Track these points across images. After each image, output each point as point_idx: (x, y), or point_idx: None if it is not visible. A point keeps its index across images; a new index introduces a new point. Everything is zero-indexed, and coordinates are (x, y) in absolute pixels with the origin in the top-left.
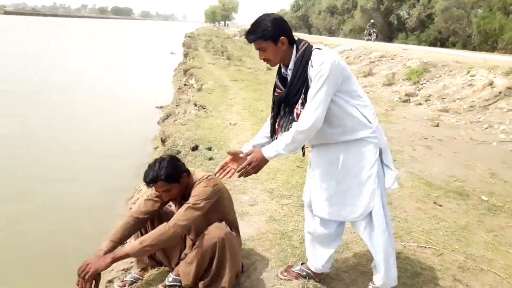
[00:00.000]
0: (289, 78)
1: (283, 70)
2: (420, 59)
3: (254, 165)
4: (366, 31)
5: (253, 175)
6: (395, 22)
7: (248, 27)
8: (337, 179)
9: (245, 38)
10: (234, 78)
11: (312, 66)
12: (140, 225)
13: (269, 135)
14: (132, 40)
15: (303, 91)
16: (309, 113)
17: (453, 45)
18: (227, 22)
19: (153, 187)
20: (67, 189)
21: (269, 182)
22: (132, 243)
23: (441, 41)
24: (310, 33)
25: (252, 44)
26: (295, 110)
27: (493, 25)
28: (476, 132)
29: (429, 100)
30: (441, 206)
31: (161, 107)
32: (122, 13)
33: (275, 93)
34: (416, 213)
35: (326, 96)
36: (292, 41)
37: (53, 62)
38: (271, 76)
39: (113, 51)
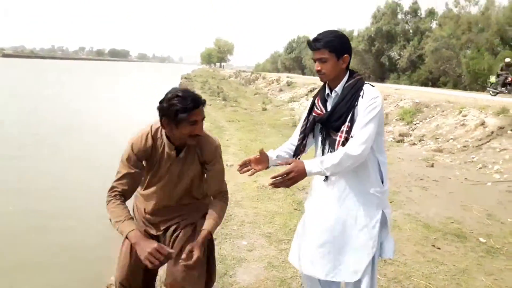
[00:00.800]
0: (331, 100)
1: (327, 91)
2: (412, 100)
3: (293, 176)
4: (497, 77)
5: (251, 219)
6: (387, 63)
7: (243, 68)
8: (334, 234)
9: (308, 44)
10: (230, 119)
11: (362, 97)
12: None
13: (291, 152)
14: (129, 81)
15: (347, 119)
16: (359, 142)
17: (444, 85)
18: (222, 64)
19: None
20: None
21: (267, 226)
22: (209, 222)
23: (432, 81)
24: (303, 73)
25: (314, 53)
26: (337, 137)
27: (482, 65)
28: (470, 172)
29: (423, 140)
30: (439, 249)
31: None
32: (119, 55)
33: (313, 113)
34: (415, 256)
35: (373, 131)
36: (348, 66)
37: (48, 103)
38: (267, 117)
39: (110, 92)
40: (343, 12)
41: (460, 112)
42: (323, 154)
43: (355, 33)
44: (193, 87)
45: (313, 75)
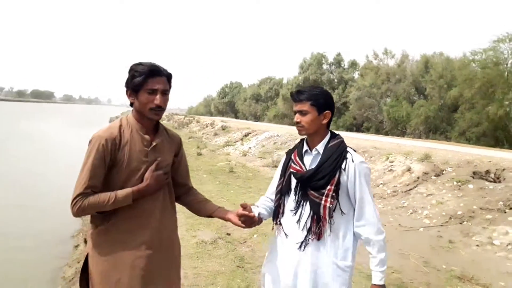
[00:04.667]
0: (310, 158)
1: (306, 147)
2: None
3: None
4: None
5: (191, 281)
6: None
7: (175, 111)
8: None
9: (291, 95)
10: None
11: (353, 161)
12: None
13: (270, 210)
14: (54, 123)
15: (331, 181)
16: (376, 218)
17: (368, 130)
18: None
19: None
20: None
21: None
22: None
23: (356, 126)
24: (236, 117)
25: (295, 104)
26: (320, 201)
27: (401, 112)
28: (403, 217)
29: None
30: None
31: None
32: (42, 96)
33: (291, 169)
34: None
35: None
36: (329, 124)
37: None
38: (202, 162)
39: (31, 135)
40: (273, 61)
41: (387, 158)
42: (296, 212)
43: (285, 81)
44: None
45: (246, 119)
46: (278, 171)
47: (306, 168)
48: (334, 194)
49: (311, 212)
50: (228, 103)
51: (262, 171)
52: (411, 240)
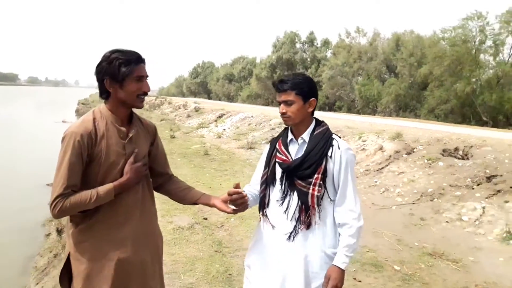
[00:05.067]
0: (296, 147)
1: (291, 136)
2: None
3: (340, 285)
4: None
5: (170, 268)
6: None
7: None
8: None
9: (274, 85)
10: None
11: (339, 148)
12: None
13: (256, 198)
14: (19, 107)
15: (318, 169)
16: (357, 205)
17: (340, 109)
18: None
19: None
20: None
21: (188, 274)
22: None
23: (329, 105)
24: (210, 98)
25: (279, 94)
26: (307, 190)
27: (372, 91)
28: (375, 196)
29: None
30: (360, 281)
31: None
32: (5, 79)
33: (276, 159)
34: None
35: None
36: (313, 111)
37: None
38: (176, 145)
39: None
40: (245, 40)
41: (360, 137)
42: (283, 202)
43: (258, 60)
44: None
45: (219, 100)
46: (261, 161)
47: (292, 158)
48: (321, 182)
49: (299, 201)
50: (201, 84)
51: (237, 153)
52: (384, 218)
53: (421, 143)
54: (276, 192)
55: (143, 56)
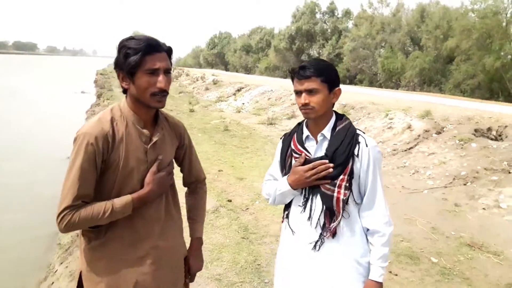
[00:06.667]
0: (314, 144)
1: (306, 133)
2: (338, 101)
3: None
4: None
5: None
6: None
7: None
8: None
9: (292, 72)
10: None
11: (366, 146)
12: None
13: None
14: (38, 76)
15: (345, 170)
16: (387, 209)
17: (361, 82)
18: None
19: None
20: None
21: (215, 264)
22: (199, 227)
23: (350, 79)
24: (227, 69)
25: (300, 82)
26: (332, 193)
27: (395, 64)
28: (405, 178)
29: None
30: (396, 275)
31: None
32: (25, 48)
33: (294, 160)
34: None
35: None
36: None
37: None
38: (196, 119)
39: (16, 89)
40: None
41: (387, 115)
42: (306, 207)
43: (276, 31)
44: (111, 85)
45: (236, 71)
46: (276, 159)
47: (311, 157)
48: (347, 184)
49: (323, 206)
50: (218, 55)
51: (257, 129)
52: (416, 203)
53: (451, 122)
54: (297, 196)
55: (161, 44)
